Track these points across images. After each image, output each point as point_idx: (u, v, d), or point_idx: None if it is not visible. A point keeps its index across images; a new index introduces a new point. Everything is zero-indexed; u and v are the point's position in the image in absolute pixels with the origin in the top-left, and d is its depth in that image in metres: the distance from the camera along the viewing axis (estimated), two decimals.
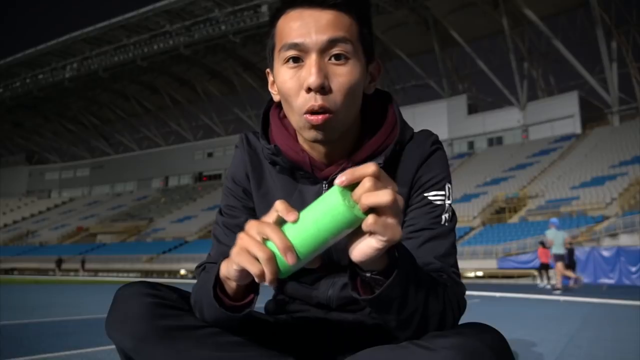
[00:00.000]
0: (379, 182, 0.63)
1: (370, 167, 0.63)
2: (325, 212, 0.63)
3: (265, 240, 0.66)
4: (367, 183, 0.62)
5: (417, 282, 0.74)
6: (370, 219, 0.62)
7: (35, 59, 49.06)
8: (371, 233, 0.64)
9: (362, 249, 0.65)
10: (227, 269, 0.74)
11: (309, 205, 0.66)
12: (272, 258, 0.65)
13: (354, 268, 0.73)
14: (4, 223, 55.48)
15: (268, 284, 0.66)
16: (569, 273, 11.99)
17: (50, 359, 2.47)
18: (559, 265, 11.89)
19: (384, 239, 0.63)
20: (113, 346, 0.85)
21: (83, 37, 45.03)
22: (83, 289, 11.74)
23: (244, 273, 0.70)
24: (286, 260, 0.64)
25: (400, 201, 0.64)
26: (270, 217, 0.67)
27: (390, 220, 0.63)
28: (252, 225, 0.67)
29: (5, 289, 10.34)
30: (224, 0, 38.71)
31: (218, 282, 0.80)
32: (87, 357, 2.52)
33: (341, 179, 0.62)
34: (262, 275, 0.65)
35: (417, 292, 0.74)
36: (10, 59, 49.97)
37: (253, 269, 0.65)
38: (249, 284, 0.78)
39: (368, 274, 0.71)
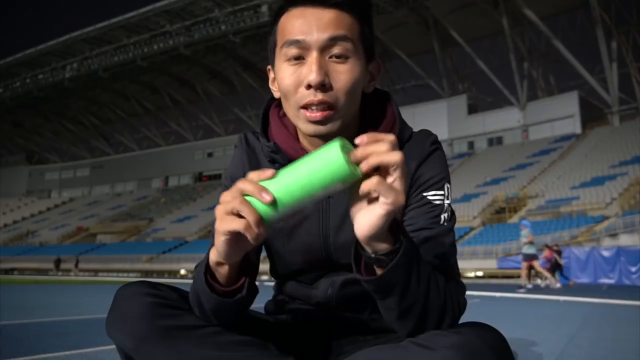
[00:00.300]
0: (391, 148, 0.65)
1: (391, 135, 0.66)
2: (321, 162, 0.64)
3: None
4: (382, 146, 0.65)
5: (419, 269, 0.74)
6: (375, 179, 0.63)
7: (35, 59, 49.06)
8: (372, 201, 0.66)
9: (368, 218, 0.66)
10: (216, 248, 0.74)
11: (305, 156, 0.68)
12: (247, 202, 0.66)
13: (358, 249, 0.74)
14: (4, 223, 55.47)
15: (256, 230, 0.66)
16: (524, 275, 12.27)
17: (50, 359, 2.47)
18: (525, 264, 12.07)
19: (388, 201, 0.64)
20: (113, 346, 0.86)
21: (83, 37, 45.03)
22: (83, 289, 11.74)
23: (232, 241, 0.70)
24: (261, 200, 0.66)
25: (407, 171, 0.66)
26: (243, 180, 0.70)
27: (395, 183, 0.64)
28: (224, 194, 0.70)
29: (5, 289, 10.34)
30: (224, 0, 38.71)
31: (209, 270, 0.81)
32: (87, 357, 2.51)
33: (362, 138, 0.65)
34: (248, 227, 0.66)
35: (419, 280, 0.74)
36: (10, 59, 49.98)
37: (236, 225, 0.67)
38: (239, 269, 0.80)
39: (373, 255, 0.71)
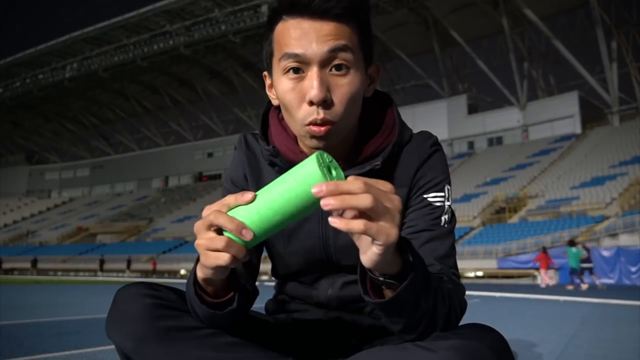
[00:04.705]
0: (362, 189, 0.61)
1: (357, 181, 0.61)
2: (299, 179, 0.64)
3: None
4: (351, 186, 0.61)
5: (428, 286, 0.73)
6: (359, 223, 0.60)
7: (35, 59, 49.07)
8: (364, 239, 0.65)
9: (369, 255, 0.64)
10: (203, 272, 0.75)
11: (283, 174, 0.67)
12: (231, 243, 0.67)
13: (364, 270, 0.72)
14: (4, 223, 55.47)
15: (241, 258, 0.68)
16: None
17: (50, 359, 2.47)
18: None
19: (379, 242, 0.62)
20: (113, 346, 0.86)
21: (83, 37, 45.04)
22: (83, 289, 11.75)
23: (218, 269, 0.71)
24: (242, 238, 0.66)
25: (397, 201, 0.63)
26: (219, 205, 0.69)
27: (381, 222, 0.61)
28: (200, 224, 0.69)
29: (5, 289, 10.34)
30: (224, 0, 38.72)
31: (197, 282, 0.80)
32: (87, 357, 2.51)
33: (320, 187, 0.60)
34: (233, 260, 0.68)
35: (428, 296, 0.73)
36: (10, 59, 49.98)
37: (221, 262, 0.68)
38: (228, 283, 0.80)
39: (381, 278, 0.70)
